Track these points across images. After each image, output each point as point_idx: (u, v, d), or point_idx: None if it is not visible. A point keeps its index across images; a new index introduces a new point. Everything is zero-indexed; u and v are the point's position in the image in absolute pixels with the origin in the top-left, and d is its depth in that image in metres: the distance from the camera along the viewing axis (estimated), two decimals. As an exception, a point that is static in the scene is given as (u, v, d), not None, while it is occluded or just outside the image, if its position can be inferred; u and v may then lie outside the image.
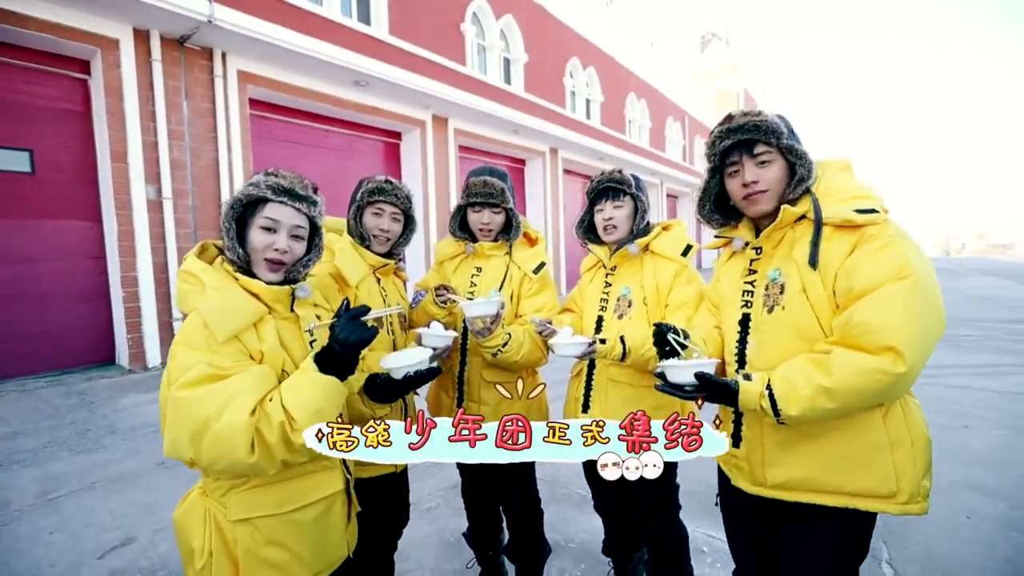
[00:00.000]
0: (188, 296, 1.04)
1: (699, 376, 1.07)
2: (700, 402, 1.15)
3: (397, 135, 9.03)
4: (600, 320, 1.66)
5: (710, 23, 34.18)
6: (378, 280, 1.61)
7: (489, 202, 1.72)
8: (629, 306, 1.62)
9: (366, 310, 1.07)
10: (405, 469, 1.69)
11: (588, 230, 1.77)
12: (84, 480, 3.00)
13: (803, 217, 1.15)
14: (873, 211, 1.06)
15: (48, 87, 5.38)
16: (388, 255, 1.65)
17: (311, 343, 1.16)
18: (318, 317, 1.22)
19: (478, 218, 1.75)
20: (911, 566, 2.07)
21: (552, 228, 12.38)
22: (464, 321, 1.65)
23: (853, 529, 1.12)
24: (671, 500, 1.73)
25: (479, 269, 1.78)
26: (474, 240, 1.81)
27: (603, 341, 1.46)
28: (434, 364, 1.23)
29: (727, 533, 1.40)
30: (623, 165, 13.84)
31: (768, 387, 1.05)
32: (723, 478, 1.35)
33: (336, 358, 1.01)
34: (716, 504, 1.43)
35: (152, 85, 5.65)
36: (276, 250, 1.11)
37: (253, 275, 1.12)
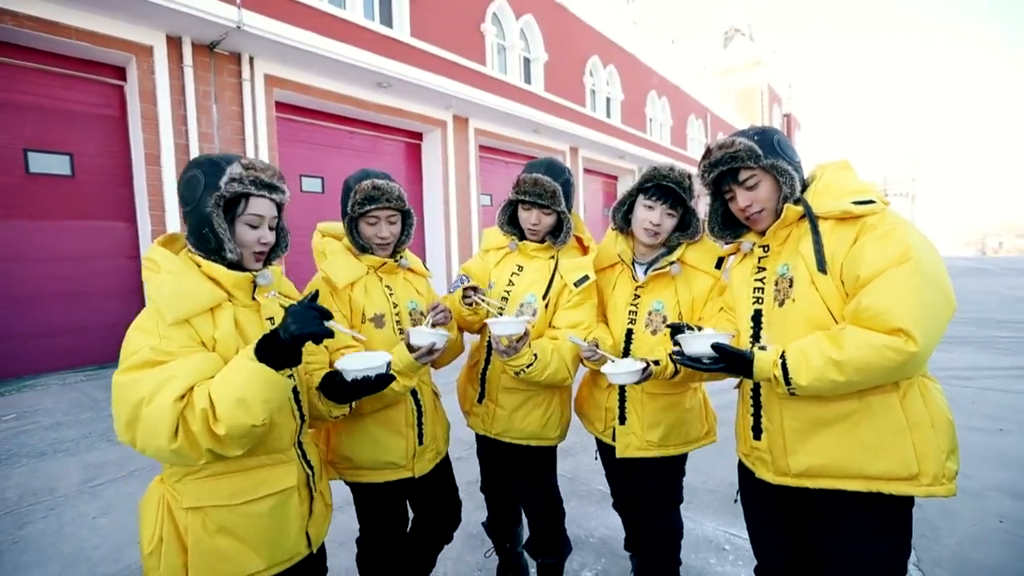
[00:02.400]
0: (148, 282, 1.06)
1: (716, 347, 1.12)
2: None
3: (418, 135, 9.13)
4: (630, 333, 1.60)
5: (733, 18, 33.59)
6: (380, 279, 1.56)
7: (539, 203, 1.61)
8: (664, 321, 1.57)
9: (327, 313, 1.00)
10: (443, 473, 1.67)
11: (624, 218, 1.63)
12: (123, 468, 3.14)
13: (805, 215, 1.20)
14: (871, 202, 1.10)
15: (87, 93, 5.61)
16: (394, 253, 1.60)
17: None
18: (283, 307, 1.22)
19: (527, 217, 1.67)
20: (940, 569, 2.03)
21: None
22: (492, 340, 1.58)
23: (889, 514, 1.12)
24: (678, 492, 1.74)
25: (520, 268, 1.72)
26: (523, 236, 1.74)
27: (656, 362, 1.43)
28: (388, 371, 1.18)
29: (749, 529, 1.40)
30: (644, 164, 13.74)
31: (782, 357, 1.09)
32: (745, 473, 1.36)
33: (277, 346, 0.96)
34: (736, 501, 1.44)
35: (184, 90, 5.85)
36: (264, 243, 1.15)
37: (243, 268, 1.14)
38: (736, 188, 1.26)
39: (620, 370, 1.36)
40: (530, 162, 1.70)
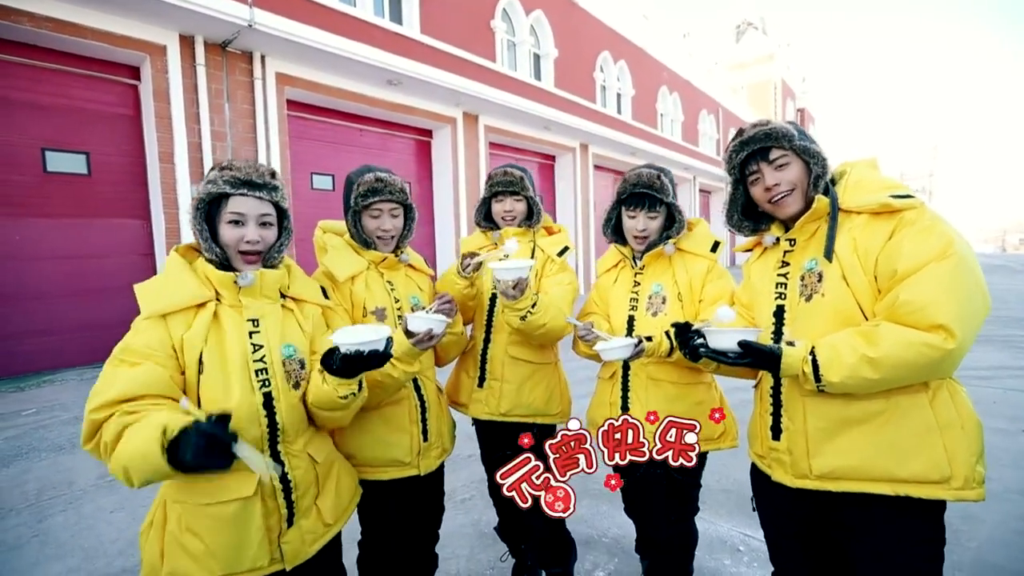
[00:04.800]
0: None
1: (743, 344, 1.10)
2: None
3: (428, 133, 9.14)
4: (631, 320, 1.64)
5: (745, 12, 33.11)
6: (382, 274, 1.57)
7: (510, 190, 1.80)
8: (663, 303, 1.61)
9: (232, 437, 0.91)
10: (437, 472, 1.64)
11: (615, 230, 1.73)
12: (139, 464, 3.18)
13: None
14: (909, 196, 1.08)
15: (103, 93, 5.68)
16: (396, 249, 1.62)
17: (251, 333, 1.16)
18: (291, 299, 1.28)
19: (501, 207, 1.82)
20: (960, 573, 1.99)
21: (582, 225, 12.30)
22: (495, 287, 1.68)
23: (921, 520, 1.08)
24: (694, 501, 1.71)
25: (506, 256, 1.75)
26: (498, 230, 1.87)
27: (649, 339, 1.45)
28: (386, 349, 1.13)
29: (766, 535, 1.37)
30: (655, 160, 13.62)
31: (812, 353, 1.06)
32: (760, 477, 1.33)
33: (175, 458, 0.89)
34: (753, 509, 1.40)
35: (197, 89, 5.90)
36: (247, 242, 1.16)
37: (231, 268, 1.18)
38: (764, 168, 1.22)
39: (612, 345, 1.40)
40: (495, 167, 1.94)
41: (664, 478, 1.63)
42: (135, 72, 5.80)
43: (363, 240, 1.55)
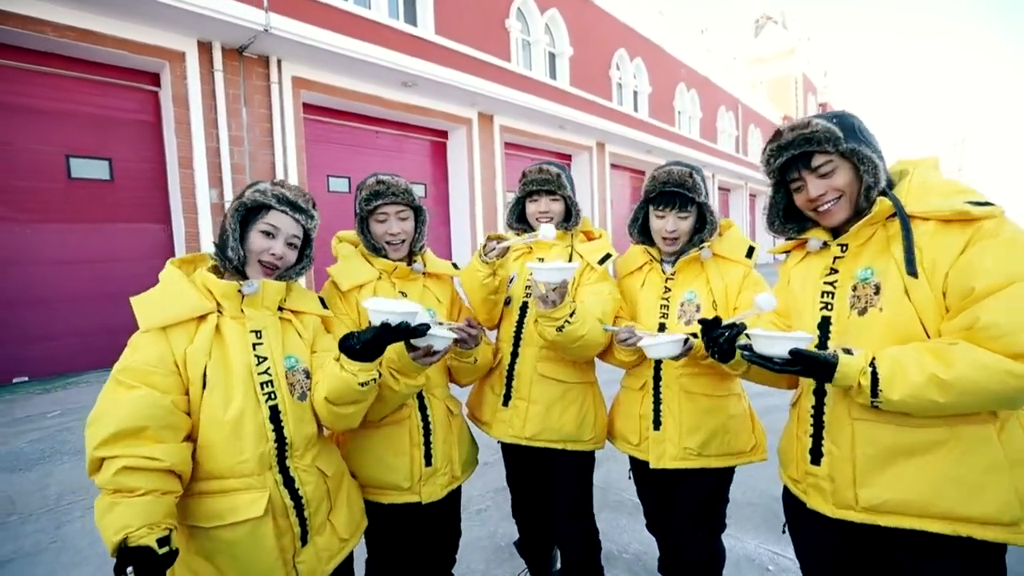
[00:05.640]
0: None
1: (794, 352, 0.98)
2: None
3: (444, 134, 9.12)
4: (662, 328, 1.55)
5: (765, 5, 32.49)
6: (393, 284, 1.49)
7: (546, 188, 1.65)
8: (697, 311, 1.51)
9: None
10: (447, 500, 1.52)
11: (641, 231, 1.63)
12: (157, 469, 3.19)
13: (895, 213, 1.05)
14: (988, 203, 0.95)
15: (124, 100, 5.78)
16: (410, 256, 1.55)
17: (254, 345, 1.14)
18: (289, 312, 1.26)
19: (536, 207, 1.68)
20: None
21: (599, 225, 12.16)
22: (527, 292, 1.59)
23: (982, 565, 0.98)
24: (722, 517, 1.62)
25: (541, 260, 1.68)
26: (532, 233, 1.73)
27: (696, 336, 1.34)
28: (414, 325, 1.08)
29: (801, 563, 1.27)
30: (672, 158, 13.43)
31: (872, 364, 0.95)
32: (793, 501, 1.22)
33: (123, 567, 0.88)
34: (784, 532, 1.30)
35: (215, 94, 5.96)
36: (273, 255, 1.18)
37: (244, 275, 1.18)
38: (807, 176, 1.10)
39: (659, 341, 1.28)
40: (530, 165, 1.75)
41: (691, 491, 1.55)
42: (155, 79, 5.88)
43: (373, 247, 1.49)
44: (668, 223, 1.51)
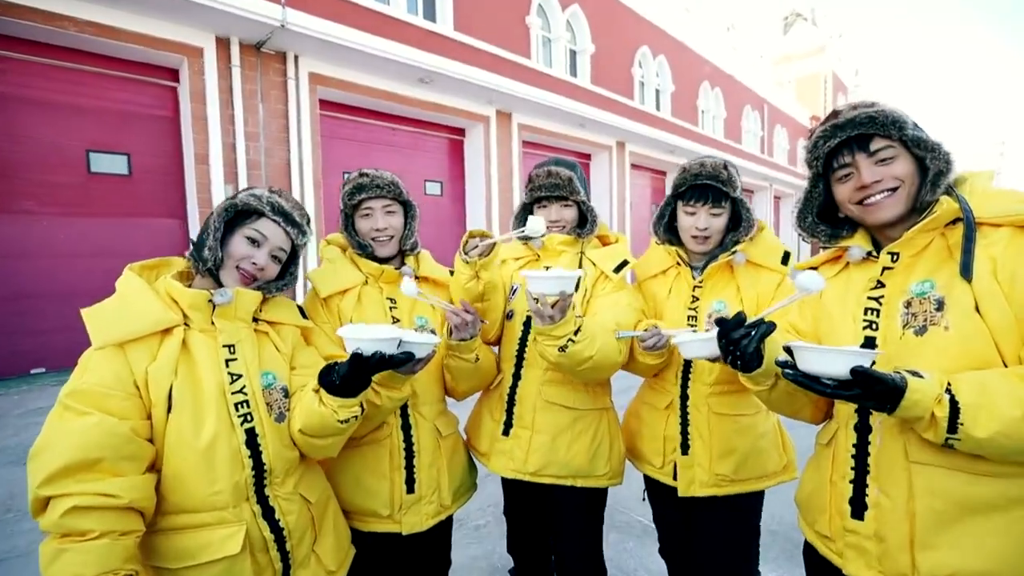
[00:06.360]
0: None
1: (856, 372, 0.77)
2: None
3: (461, 131, 9.02)
4: None
5: (794, 2, 31.63)
6: (381, 289, 1.39)
7: (556, 194, 1.47)
8: None
9: None
10: (434, 530, 1.39)
11: (668, 229, 1.47)
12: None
13: (958, 220, 0.89)
14: None
15: (143, 95, 5.81)
16: (401, 257, 1.44)
17: (227, 361, 1.03)
18: (266, 322, 1.15)
19: (545, 215, 1.49)
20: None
21: (618, 227, 11.93)
22: (529, 302, 1.26)
23: None
24: (753, 549, 1.47)
25: (548, 269, 1.52)
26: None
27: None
28: (393, 354, 0.99)
29: None
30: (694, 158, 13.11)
31: (948, 391, 0.78)
32: (819, 564, 1.03)
33: None
34: None
35: (232, 89, 5.96)
36: (254, 264, 1.09)
37: (217, 280, 1.08)
38: (862, 160, 0.96)
39: (695, 338, 1.10)
40: (539, 162, 1.57)
41: (718, 518, 1.41)
42: (174, 74, 5.91)
43: (360, 245, 1.38)
44: (699, 219, 1.36)
